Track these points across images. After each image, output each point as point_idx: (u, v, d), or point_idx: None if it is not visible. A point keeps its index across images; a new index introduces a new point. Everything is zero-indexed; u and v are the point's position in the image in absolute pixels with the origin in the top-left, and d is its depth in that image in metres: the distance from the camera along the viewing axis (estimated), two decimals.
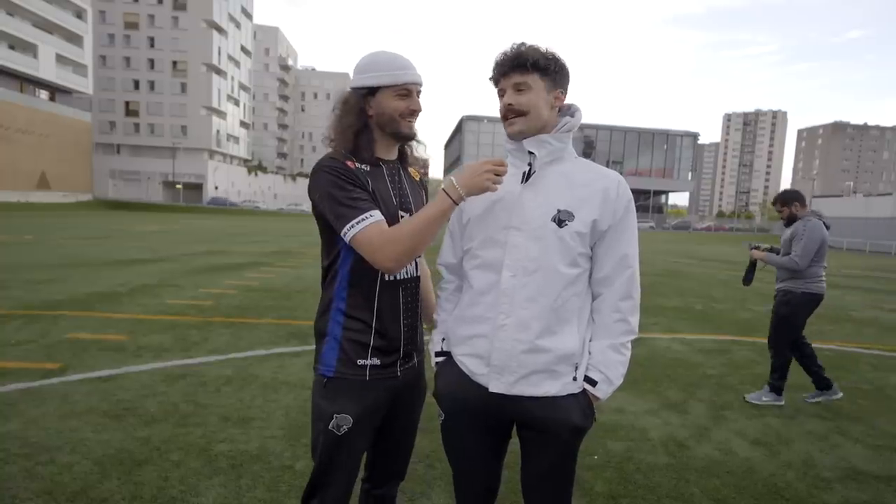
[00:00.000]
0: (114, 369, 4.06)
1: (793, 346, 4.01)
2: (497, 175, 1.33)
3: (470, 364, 1.45)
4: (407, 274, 1.51)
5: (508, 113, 1.40)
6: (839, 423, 3.69)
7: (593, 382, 1.39)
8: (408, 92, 1.46)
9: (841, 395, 4.06)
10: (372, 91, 1.45)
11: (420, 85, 1.50)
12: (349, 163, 1.42)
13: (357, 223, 1.34)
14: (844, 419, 3.76)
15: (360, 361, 1.45)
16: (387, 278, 1.46)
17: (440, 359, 1.57)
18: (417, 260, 1.57)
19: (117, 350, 4.58)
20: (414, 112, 1.49)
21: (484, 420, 1.47)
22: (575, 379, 1.39)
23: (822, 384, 4.03)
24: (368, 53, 1.49)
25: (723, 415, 3.74)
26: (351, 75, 1.52)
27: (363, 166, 1.44)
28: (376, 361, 1.46)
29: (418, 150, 1.63)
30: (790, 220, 3.99)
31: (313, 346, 1.55)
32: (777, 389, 3.95)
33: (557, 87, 1.40)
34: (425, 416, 3.56)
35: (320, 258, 1.53)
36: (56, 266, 9.58)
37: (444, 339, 1.58)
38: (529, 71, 1.36)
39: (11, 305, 6.16)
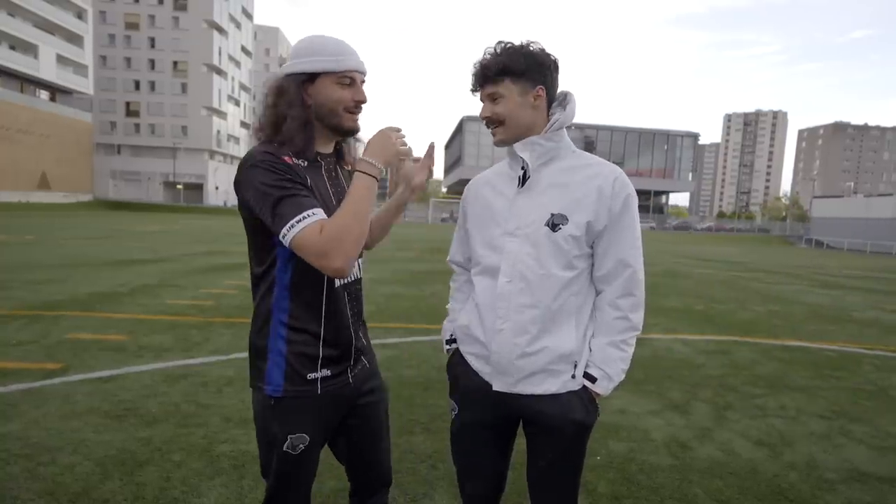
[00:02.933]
0: (115, 369, 4.05)
1: None
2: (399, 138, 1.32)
3: (474, 363, 1.48)
4: (351, 276, 1.42)
5: (488, 124, 1.40)
6: (842, 423, 3.68)
7: (593, 379, 1.40)
8: (351, 80, 1.33)
9: None
10: (311, 78, 1.31)
11: (364, 74, 1.37)
12: (286, 157, 1.27)
13: (297, 223, 1.19)
14: (847, 420, 3.75)
15: (311, 375, 1.33)
16: (337, 284, 1.35)
17: (452, 346, 1.58)
18: (359, 259, 1.47)
19: (118, 350, 4.58)
20: (359, 103, 1.36)
21: (492, 416, 1.48)
22: (574, 377, 1.40)
23: None
24: (307, 37, 1.36)
25: (725, 415, 3.74)
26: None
27: (301, 161, 1.30)
28: (327, 373, 1.35)
29: (356, 148, 1.48)
30: None
31: None
32: None
33: (535, 84, 1.35)
34: (428, 416, 3.56)
35: (249, 264, 1.40)
36: (57, 266, 9.58)
37: (453, 331, 1.59)
38: (499, 79, 1.34)
39: (12, 306, 6.16)
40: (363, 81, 1.38)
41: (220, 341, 5.02)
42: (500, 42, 1.36)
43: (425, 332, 5.61)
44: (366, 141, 1.39)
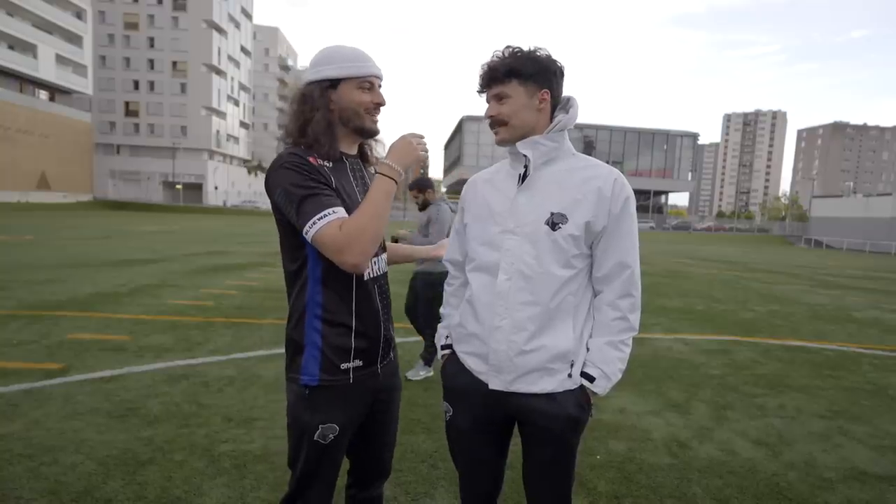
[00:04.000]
0: (116, 370, 4.06)
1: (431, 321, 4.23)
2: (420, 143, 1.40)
3: (470, 362, 1.49)
4: (379, 271, 1.49)
5: (492, 124, 1.43)
6: (841, 423, 3.69)
7: (591, 378, 1.41)
8: (371, 85, 1.43)
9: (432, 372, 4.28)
10: (333, 84, 1.40)
11: (381, 78, 1.47)
12: (311, 159, 1.35)
13: (318, 220, 1.27)
14: (847, 419, 3.76)
15: (344, 365, 1.40)
16: (365, 277, 1.42)
17: (446, 352, 1.59)
18: (383, 255, 1.55)
19: (119, 350, 4.58)
20: (378, 106, 1.45)
21: (487, 416, 1.48)
22: (570, 376, 1.41)
23: (432, 361, 4.32)
24: (325, 47, 1.46)
25: (725, 415, 3.75)
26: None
27: (326, 162, 1.38)
28: (359, 363, 1.42)
29: (377, 150, 1.58)
30: (424, 206, 4.32)
31: None
32: (430, 362, 4.29)
33: (541, 87, 1.38)
34: (429, 415, 3.57)
35: (282, 262, 1.46)
36: (57, 266, 9.58)
37: (448, 335, 1.60)
38: (507, 80, 1.37)
39: (13, 306, 6.16)
40: (380, 86, 1.48)
41: (221, 341, 5.02)
42: (508, 46, 1.40)
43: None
44: (385, 142, 1.44)
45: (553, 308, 1.38)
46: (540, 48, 1.39)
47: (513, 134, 1.41)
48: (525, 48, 1.39)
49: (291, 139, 1.41)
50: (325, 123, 1.39)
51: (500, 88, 1.39)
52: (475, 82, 1.45)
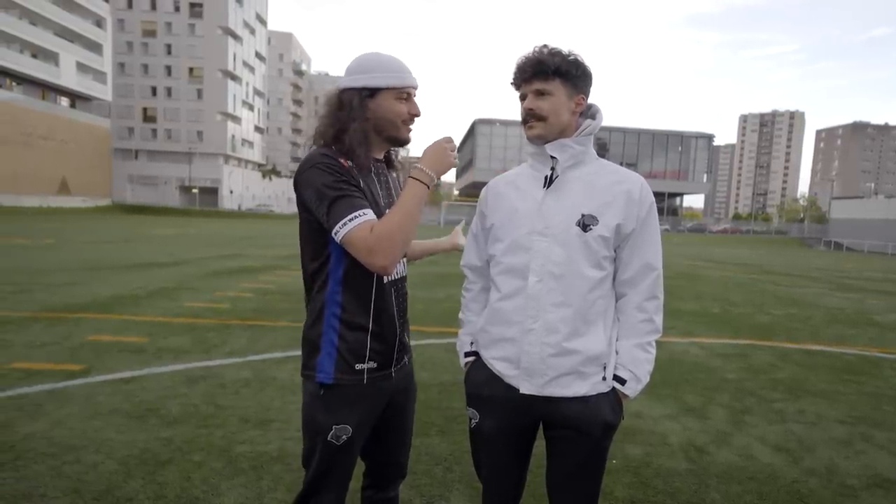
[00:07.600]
0: (135, 371, 4.12)
1: None
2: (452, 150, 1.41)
3: (499, 367, 1.47)
4: (398, 275, 1.50)
5: (528, 117, 1.41)
6: (863, 429, 3.61)
7: (622, 381, 1.41)
8: (408, 95, 1.45)
9: None
10: (372, 93, 1.41)
11: (417, 88, 1.49)
12: (343, 161, 1.37)
13: (350, 220, 1.28)
14: (869, 425, 3.68)
15: (359, 366, 1.41)
16: (385, 280, 1.43)
17: (470, 359, 1.58)
18: (402, 258, 1.55)
19: (138, 352, 4.66)
20: (414, 116, 1.47)
21: (515, 421, 1.48)
22: (604, 378, 1.41)
23: None
24: (364, 54, 1.46)
25: (743, 420, 3.69)
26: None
27: (355, 166, 1.41)
28: (373, 364, 1.43)
29: (400, 154, 1.63)
30: None
31: None
32: None
33: (579, 91, 1.40)
34: (443, 418, 3.56)
35: (302, 261, 1.46)
36: (76, 269, 9.77)
37: (472, 342, 1.59)
38: (551, 77, 1.37)
39: (35, 308, 6.30)
40: (415, 95, 1.49)
41: (237, 343, 5.08)
42: (545, 45, 1.40)
43: (440, 335, 5.63)
44: (406, 148, 1.53)
45: (585, 310, 1.38)
46: (574, 53, 1.39)
47: (549, 131, 1.40)
48: (563, 50, 1.39)
49: (323, 142, 1.42)
50: (362, 133, 1.40)
51: (542, 84, 1.38)
52: (511, 74, 1.43)
